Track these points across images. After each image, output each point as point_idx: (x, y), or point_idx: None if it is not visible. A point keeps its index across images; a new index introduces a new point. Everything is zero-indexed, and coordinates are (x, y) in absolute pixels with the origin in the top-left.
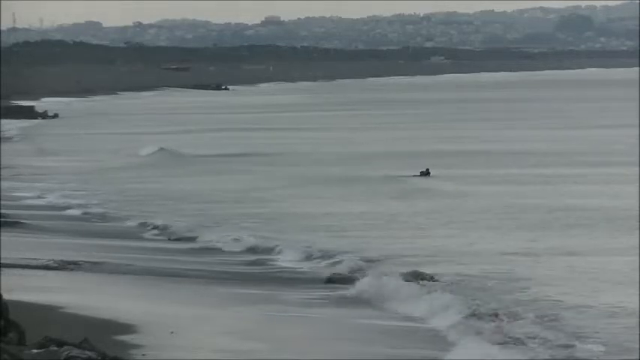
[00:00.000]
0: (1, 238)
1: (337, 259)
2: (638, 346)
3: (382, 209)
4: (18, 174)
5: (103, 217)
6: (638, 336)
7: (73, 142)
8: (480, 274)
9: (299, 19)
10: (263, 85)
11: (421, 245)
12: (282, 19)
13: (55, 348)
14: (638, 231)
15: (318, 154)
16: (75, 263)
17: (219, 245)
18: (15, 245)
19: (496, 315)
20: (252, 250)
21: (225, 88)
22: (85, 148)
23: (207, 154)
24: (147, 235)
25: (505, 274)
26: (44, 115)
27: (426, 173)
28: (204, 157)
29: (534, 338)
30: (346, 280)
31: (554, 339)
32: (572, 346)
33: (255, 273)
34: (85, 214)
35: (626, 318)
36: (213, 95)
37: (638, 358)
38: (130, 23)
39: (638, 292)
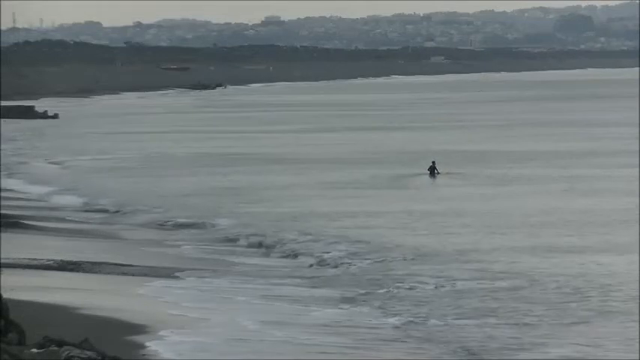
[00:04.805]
0: (1, 238)
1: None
2: (637, 345)
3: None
4: None
5: None
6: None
7: None
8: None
9: (299, 19)
10: (257, 86)
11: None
12: (282, 19)
13: (55, 348)
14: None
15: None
16: (75, 263)
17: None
18: (15, 245)
19: None
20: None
21: (224, 87)
22: None
23: None
24: None
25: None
26: (44, 115)
27: (433, 168)
28: None
29: None
30: None
31: None
32: None
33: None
34: None
35: None
36: (209, 95)
37: (638, 358)
38: (130, 23)
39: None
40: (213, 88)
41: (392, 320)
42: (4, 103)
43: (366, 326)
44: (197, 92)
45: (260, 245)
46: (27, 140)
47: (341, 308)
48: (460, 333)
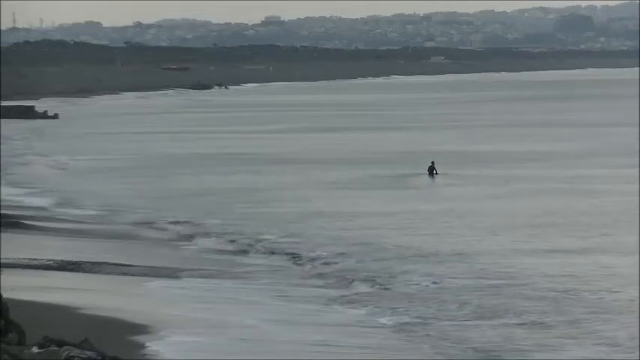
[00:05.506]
0: (1, 238)
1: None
2: (638, 345)
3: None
4: None
5: None
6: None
7: None
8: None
9: (299, 19)
10: (253, 85)
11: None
12: (282, 19)
13: (55, 348)
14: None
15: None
16: (75, 263)
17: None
18: (15, 245)
19: None
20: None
21: (226, 87)
22: None
23: None
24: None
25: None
26: (44, 115)
27: (432, 168)
28: None
29: None
30: None
31: None
32: None
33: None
34: None
35: None
36: (209, 95)
37: (638, 358)
38: (130, 23)
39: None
40: (212, 88)
41: (394, 320)
42: (4, 103)
43: (366, 326)
44: (196, 92)
45: (240, 249)
46: (26, 140)
47: (341, 308)
48: (463, 333)
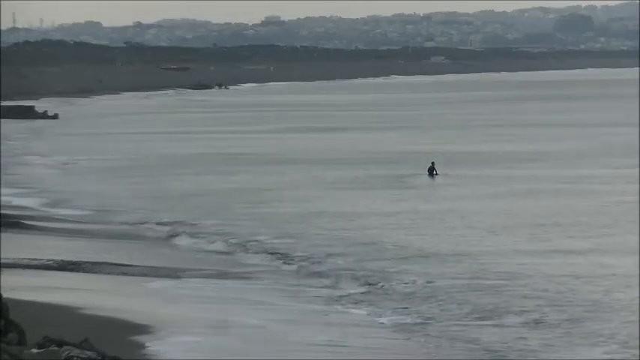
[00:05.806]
0: (1, 238)
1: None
2: (638, 344)
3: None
4: None
5: None
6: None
7: None
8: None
9: (299, 19)
10: (251, 85)
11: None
12: (282, 19)
13: (55, 348)
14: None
15: None
16: (75, 263)
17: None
18: (15, 245)
19: None
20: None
21: (226, 87)
22: None
23: None
24: None
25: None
26: (44, 115)
27: (432, 168)
28: None
29: None
30: None
31: None
32: None
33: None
34: None
35: None
36: (210, 95)
37: (638, 358)
38: (130, 23)
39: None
40: (212, 88)
41: (395, 320)
42: (4, 103)
43: (368, 326)
44: (196, 92)
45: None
46: (25, 140)
47: (342, 308)
48: (464, 333)
